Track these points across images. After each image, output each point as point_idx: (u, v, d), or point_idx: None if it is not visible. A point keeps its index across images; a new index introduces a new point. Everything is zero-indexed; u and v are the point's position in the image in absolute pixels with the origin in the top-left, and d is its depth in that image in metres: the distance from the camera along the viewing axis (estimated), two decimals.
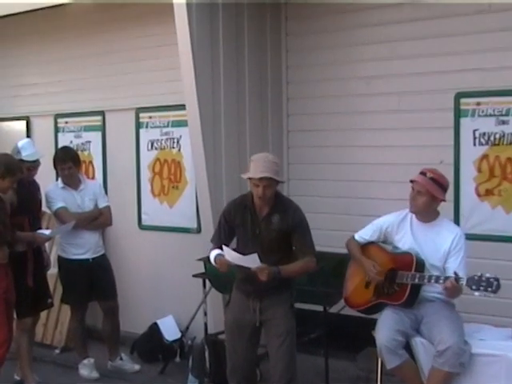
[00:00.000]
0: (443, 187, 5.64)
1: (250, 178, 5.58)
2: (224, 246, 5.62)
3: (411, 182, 5.68)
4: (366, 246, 5.87)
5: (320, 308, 6.84)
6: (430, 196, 5.55)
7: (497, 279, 5.09)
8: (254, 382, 6.03)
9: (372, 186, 7.56)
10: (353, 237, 5.95)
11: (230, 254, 5.52)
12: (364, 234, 5.90)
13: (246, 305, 5.75)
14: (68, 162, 7.52)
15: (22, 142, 7.43)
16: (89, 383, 7.67)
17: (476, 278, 5.13)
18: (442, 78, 7.07)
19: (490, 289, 5.08)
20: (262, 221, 5.64)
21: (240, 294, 5.83)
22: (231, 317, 5.91)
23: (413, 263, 5.46)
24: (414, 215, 5.70)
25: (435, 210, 5.68)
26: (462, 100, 7.00)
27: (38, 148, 7.53)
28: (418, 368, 5.44)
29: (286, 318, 5.69)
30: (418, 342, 5.43)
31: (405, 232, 5.69)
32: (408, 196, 5.84)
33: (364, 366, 7.23)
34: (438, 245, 5.55)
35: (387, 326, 5.42)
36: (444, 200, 5.67)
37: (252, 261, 5.40)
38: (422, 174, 5.63)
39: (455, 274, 5.23)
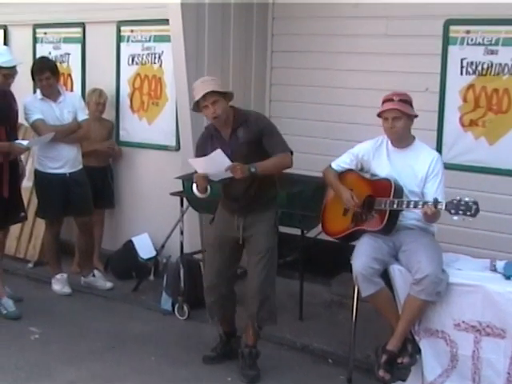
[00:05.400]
0: (411, 103, 5.55)
1: (198, 107, 5.61)
2: (189, 160, 5.70)
3: (379, 115, 5.50)
4: (343, 174, 5.77)
5: (298, 231, 6.82)
6: (406, 116, 5.46)
7: (476, 203, 5.02)
8: (232, 302, 6.04)
9: (355, 111, 7.47)
10: (330, 165, 5.84)
11: (197, 163, 5.60)
12: (341, 162, 5.78)
13: (230, 222, 5.79)
14: (46, 72, 7.34)
15: None
16: (61, 298, 7.65)
17: (455, 201, 5.07)
18: (432, 4, 6.93)
19: (468, 213, 5.02)
20: (229, 140, 5.64)
21: (225, 211, 5.87)
22: (214, 233, 5.96)
23: (391, 189, 5.38)
24: (389, 142, 5.59)
25: (410, 133, 5.58)
26: (452, 27, 6.91)
27: (15, 56, 7.31)
28: (394, 296, 5.41)
29: (268, 235, 5.73)
30: (396, 270, 5.39)
31: (382, 160, 5.59)
32: None
33: (338, 291, 7.30)
34: (416, 170, 5.48)
35: (364, 254, 5.37)
36: (417, 115, 5.55)
37: (220, 158, 5.41)
38: (389, 100, 5.49)
39: (434, 199, 5.17)
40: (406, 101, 5.51)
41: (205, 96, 5.49)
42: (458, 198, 5.08)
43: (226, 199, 5.84)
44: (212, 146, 5.65)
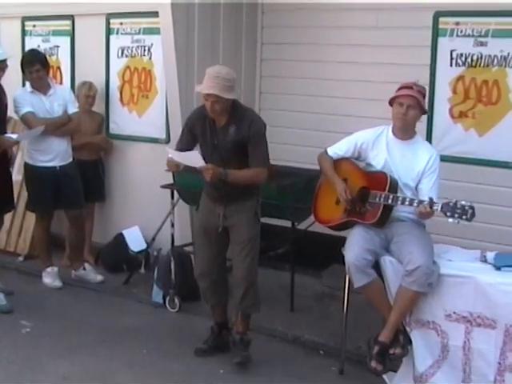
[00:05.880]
0: (425, 98, 5.58)
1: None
2: (167, 148, 5.80)
3: (393, 99, 5.49)
4: (338, 162, 5.73)
5: (288, 224, 6.83)
6: (420, 108, 5.47)
7: (472, 207, 5.04)
8: (224, 288, 6.08)
9: (346, 103, 7.50)
10: (325, 151, 5.80)
11: (173, 154, 5.65)
12: (338, 149, 5.75)
13: (211, 210, 5.83)
14: (36, 65, 7.31)
15: None
16: (52, 292, 7.63)
17: (451, 204, 5.07)
18: None
19: (464, 216, 5.03)
20: (219, 131, 5.65)
21: (207, 198, 5.90)
22: (199, 221, 6.04)
23: (386, 183, 5.37)
24: (390, 132, 5.58)
25: (415, 127, 5.59)
26: (441, 19, 6.93)
27: (5, 49, 7.29)
28: (386, 287, 5.43)
29: (249, 224, 5.76)
30: (387, 261, 5.40)
31: (380, 149, 5.57)
32: (382, 114, 5.80)
33: (329, 282, 7.31)
34: (413, 164, 5.47)
35: (357, 245, 5.36)
36: (427, 111, 5.62)
37: (195, 159, 5.48)
38: (407, 88, 5.46)
39: (430, 199, 5.18)
40: (423, 94, 5.53)
41: (208, 94, 5.47)
42: (455, 200, 5.09)
43: (208, 187, 5.85)
44: (203, 128, 5.70)
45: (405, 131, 5.54)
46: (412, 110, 5.43)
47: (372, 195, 5.43)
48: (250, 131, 5.60)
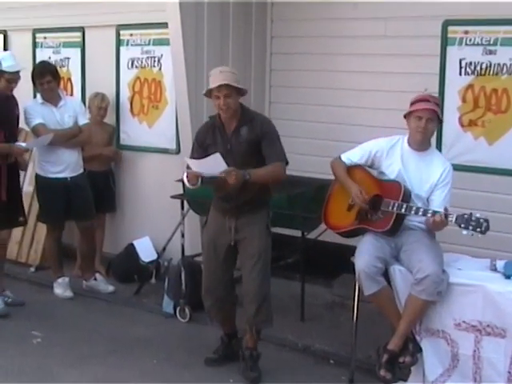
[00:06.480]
0: (440, 108, 5.59)
1: (210, 93, 5.59)
2: (186, 158, 5.70)
3: (408, 113, 5.47)
4: (351, 169, 5.70)
5: (298, 233, 6.83)
6: (437, 120, 5.49)
7: (486, 220, 5.03)
8: (230, 304, 6.03)
9: (355, 112, 7.50)
10: (339, 157, 5.77)
11: (193, 164, 5.55)
12: (352, 156, 5.72)
13: (222, 223, 5.77)
14: (47, 76, 7.36)
15: (3, 54, 7.34)
16: (63, 302, 7.66)
17: (466, 216, 5.07)
18: (430, 5, 6.93)
19: (478, 229, 5.03)
20: (232, 135, 5.64)
21: (217, 212, 5.84)
22: (208, 236, 5.94)
23: (400, 192, 5.36)
24: (406, 143, 5.56)
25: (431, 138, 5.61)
26: (450, 28, 6.92)
27: (18, 61, 7.34)
28: (395, 296, 5.42)
29: (261, 237, 5.70)
30: (397, 270, 5.39)
31: (394, 159, 5.55)
32: (392, 123, 5.79)
33: (339, 292, 7.31)
34: (427, 176, 5.46)
35: (367, 252, 5.35)
36: (442, 120, 5.66)
37: (216, 163, 5.37)
38: (424, 101, 5.44)
39: (445, 209, 5.17)
40: (439, 105, 5.55)
41: (219, 87, 5.48)
42: (469, 212, 5.10)
43: (217, 200, 5.80)
44: (213, 136, 5.67)
45: (422, 143, 5.53)
46: (431, 123, 5.44)
47: (385, 203, 5.42)
48: (263, 129, 5.61)
